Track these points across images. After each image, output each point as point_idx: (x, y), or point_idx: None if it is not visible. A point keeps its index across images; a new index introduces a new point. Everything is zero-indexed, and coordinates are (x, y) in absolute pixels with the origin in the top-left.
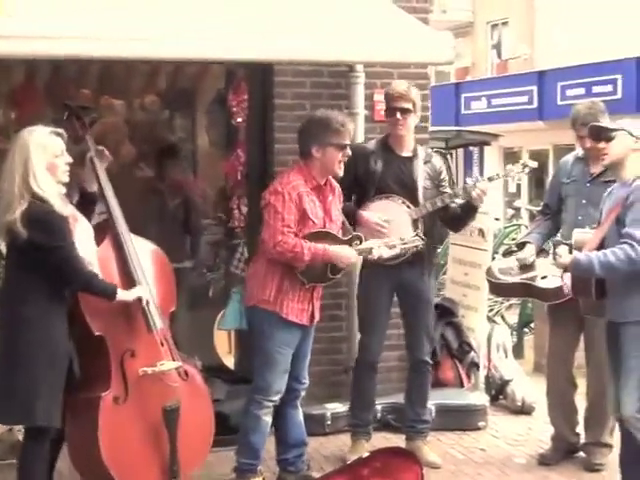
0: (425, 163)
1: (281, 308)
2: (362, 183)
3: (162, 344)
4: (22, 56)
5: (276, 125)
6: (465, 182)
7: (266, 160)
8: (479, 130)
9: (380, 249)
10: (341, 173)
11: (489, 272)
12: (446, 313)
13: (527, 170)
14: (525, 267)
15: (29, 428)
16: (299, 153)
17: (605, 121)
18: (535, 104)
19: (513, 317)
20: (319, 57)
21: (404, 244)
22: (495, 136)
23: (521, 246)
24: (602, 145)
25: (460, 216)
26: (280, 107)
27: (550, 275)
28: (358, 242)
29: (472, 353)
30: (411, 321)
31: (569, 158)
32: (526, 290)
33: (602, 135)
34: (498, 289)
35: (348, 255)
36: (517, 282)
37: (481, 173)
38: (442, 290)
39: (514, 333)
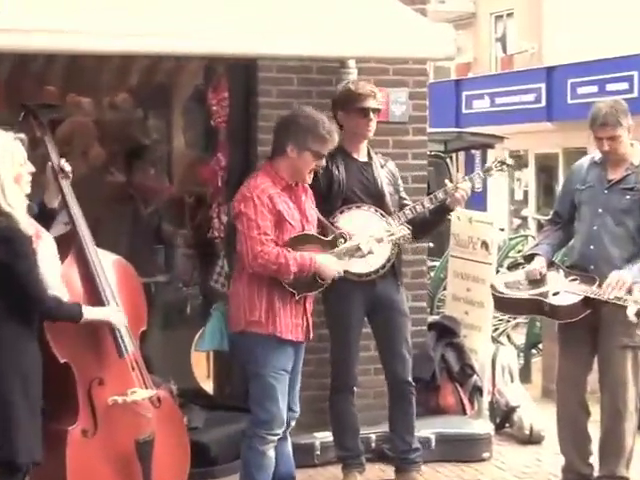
0: (382, 167)
1: (275, 327)
2: (323, 194)
3: (133, 368)
4: (16, 50)
5: (260, 126)
6: (445, 184)
7: (249, 164)
8: (481, 132)
9: (368, 244)
10: (309, 181)
11: (494, 286)
12: (446, 333)
13: (505, 167)
14: (534, 282)
15: (4, 462)
16: (271, 149)
17: (627, 122)
18: (543, 103)
19: (520, 337)
20: (308, 52)
21: (391, 235)
22: (499, 138)
23: (529, 259)
24: None
25: (429, 221)
26: (264, 106)
27: (562, 291)
28: (343, 240)
29: (475, 377)
30: (388, 336)
31: (584, 162)
32: (536, 307)
33: None
34: (504, 305)
35: (335, 269)
36: (526, 298)
37: (485, 178)
38: (442, 307)
39: (521, 355)
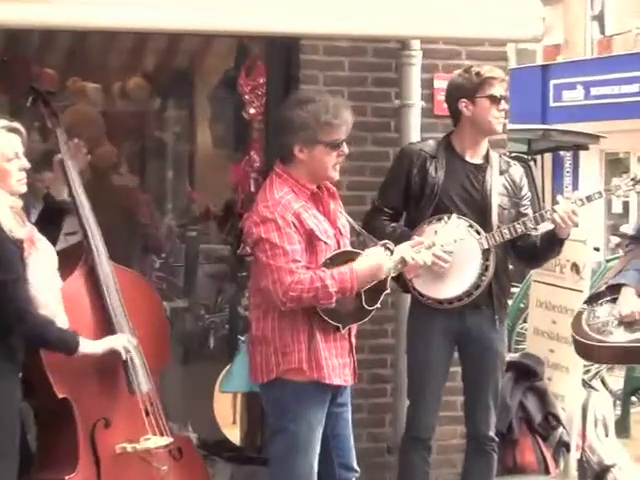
0: (501, 174)
1: (321, 372)
2: (415, 197)
3: (147, 413)
4: (19, 26)
5: None
6: (557, 200)
7: None
8: (573, 129)
9: (420, 255)
10: (337, 176)
11: (576, 325)
12: (527, 375)
13: (639, 187)
14: (627, 323)
15: None
16: (278, 154)
17: None
18: None
19: (617, 381)
20: (362, 31)
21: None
22: (595, 137)
23: (614, 290)
24: None
25: (539, 249)
26: None
27: None
28: (389, 252)
29: (561, 429)
30: (475, 381)
31: None
32: (633, 356)
33: None
34: (589, 352)
35: (380, 262)
36: (620, 345)
37: (575, 186)
38: (521, 343)
39: (618, 403)
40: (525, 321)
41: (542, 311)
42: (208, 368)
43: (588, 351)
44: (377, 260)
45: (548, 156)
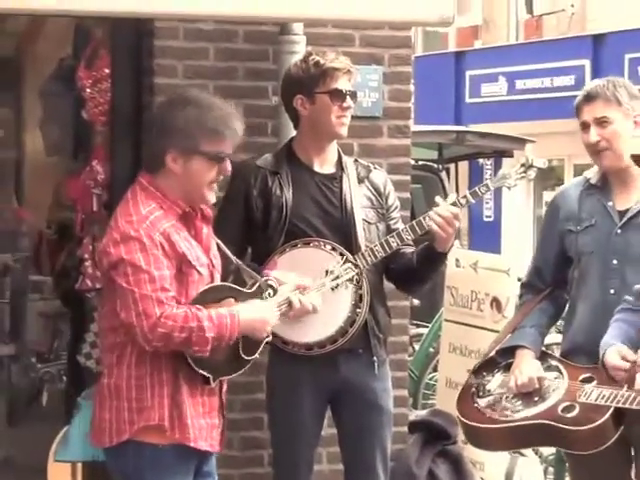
0: (360, 182)
1: (184, 433)
2: (259, 226)
3: None
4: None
5: None
6: (436, 203)
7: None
8: (494, 132)
9: (306, 296)
10: (213, 199)
11: (463, 405)
12: (437, 437)
13: (532, 173)
14: (525, 395)
15: None
16: (144, 161)
17: (631, 105)
18: None
19: None
20: (231, 11)
21: (335, 278)
22: (521, 141)
23: (506, 354)
24: None
25: (416, 269)
26: (164, 89)
27: (577, 402)
28: (271, 292)
29: None
30: (355, 443)
31: (571, 188)
32: (541, 435)
33: None
34: (482, 438)
35: (267, 315)
36: (522, 424)
37: (497, 201)
38: (431, 398)
39: (550, 470)
40: (435, 370)
41: (456, 357)
42: (40, 431)
43: (481, 436)
44: (263, 314)
45: (464, 165)
